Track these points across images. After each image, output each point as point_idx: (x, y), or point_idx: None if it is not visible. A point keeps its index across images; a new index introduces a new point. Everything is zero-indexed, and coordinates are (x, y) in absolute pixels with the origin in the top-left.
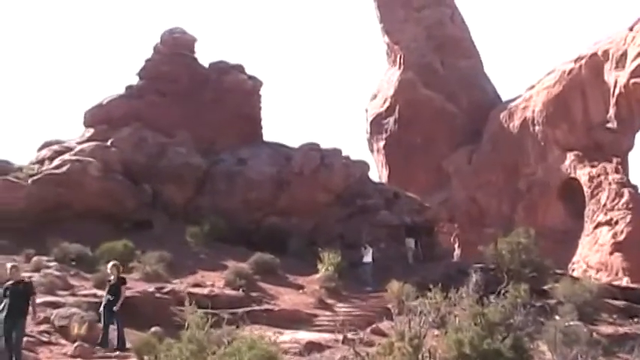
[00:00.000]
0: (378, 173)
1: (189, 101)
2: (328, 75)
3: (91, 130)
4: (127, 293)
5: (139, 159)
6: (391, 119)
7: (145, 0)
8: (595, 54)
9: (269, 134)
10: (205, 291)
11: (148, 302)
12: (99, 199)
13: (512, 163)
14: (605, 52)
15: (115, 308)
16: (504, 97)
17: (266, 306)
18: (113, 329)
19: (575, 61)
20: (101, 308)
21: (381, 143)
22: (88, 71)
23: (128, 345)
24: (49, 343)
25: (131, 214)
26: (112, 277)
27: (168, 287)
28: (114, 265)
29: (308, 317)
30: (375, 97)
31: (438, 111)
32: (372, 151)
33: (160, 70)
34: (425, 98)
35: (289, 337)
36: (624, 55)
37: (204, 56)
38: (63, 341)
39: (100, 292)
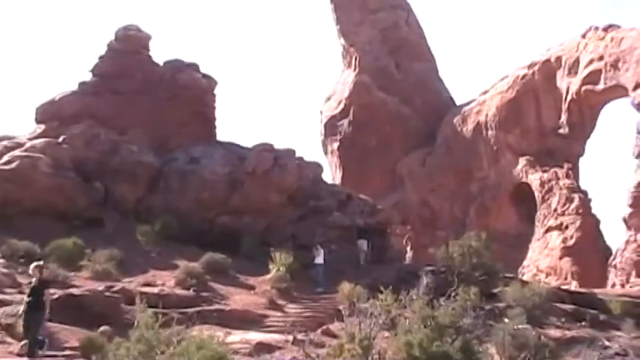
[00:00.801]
0: (331, 175)
1: (143, 99)
2: (283, 76)
3: (43, 127)
4: (76, 292)
5: (91, 156)
6: (345, 121)
7: None
8: (548, 60)
9: (223, 134)
10: (156, 290)
11: (97, 301)
12: (49, 196)
13: (465, 166)
14: (558, 59)
15: (41, 317)
16: (458, 101)
17: (217, 306)
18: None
19: (529, 66)
20: (20, 312)
21: (335, 145)
22: (41, 67)
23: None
24: None
25: (82, 211)
26: (33, 280)
27: (118, 286)
28: (36, 267)
29: (259, 318)
30: (329, 99)
31: (392, 114)
32: (325, 152)
33: (113, 68)
34: (379, 101)
35: (239, 337)
36: (577, 62)
37: (159, 54)
38: (9, 339)
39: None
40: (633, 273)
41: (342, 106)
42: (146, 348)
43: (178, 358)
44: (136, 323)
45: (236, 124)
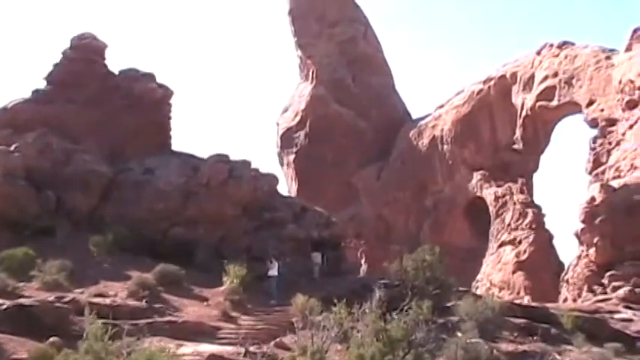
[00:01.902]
0: (287, 187)
1: (98, 108)
2: (240, 87)
3: None
4: (25, 302)
5: (44, 165)
6: (302, 133)
7: (56, 4)
8: (503, 76)
9: (178, 144)
10: (107, 301)
11: (47, 312)
12: (0, 205)
13: (420, 180)
14: (514, 75)
15: None
16: (414, 115)
17: (169, 318)
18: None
19: (484, 82)
20: None
21: (291, 157)
22: None
23: None
24: None
25: (33, 220)
26: None
27: (69, 297)
28: None
29: (211, 330)
30: (286, 110)
31: (348, 127)
32: (281, 164)
33: (68, 76)
34: (336, 114)
35: (191, 349)
36: (532, 78)
37: (115, 63)
38: None
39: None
40: (585, 288)
41: (298, 118)
42: (94, 359)
43: None
44: (85, 335)
45: (192, 134)
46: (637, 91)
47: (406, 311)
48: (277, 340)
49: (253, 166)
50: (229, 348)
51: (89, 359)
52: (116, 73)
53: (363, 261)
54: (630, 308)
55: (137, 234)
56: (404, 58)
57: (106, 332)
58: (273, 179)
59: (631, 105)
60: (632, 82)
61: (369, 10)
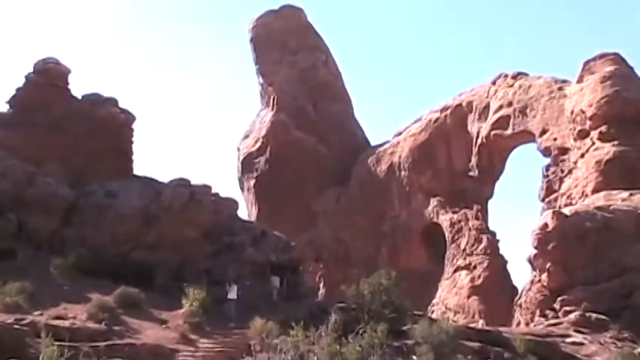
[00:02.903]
0: (247, 211)
1: (60, 132)
2: (202, 112)
3: None
4: None
5: (5, 187)
6: (262, 159)
7: (20, 28)
8: (460, 105)
9: (140, 168)
10: (67, 323)
11: (6, 333)
12: None
13: (378, 206)
14: (469, 104)
15: None
16: (373, 142)
17: (128, 340)
18: None
19: (441, 110)
20: None
21: (252, 182)
22: None
23: None
24: None
25: None
26: None
27: (28, 319)
28: None
29: (170, 352)
30: (247, 136)
31: (308, 152)
32: (242, 189)
33: (31, 100)
34: (296, 140)
35: None
36: (487, 107)
37: (78, 88)
38: None
39: None
40: (537, 312)
41: (259, 143)
42: None
43: None
44: (41, 358)
45: (153, 159)
46: (588, 122)
47: (362, 334)
48: None
49: (214, 190)
50: None
51: None
52: (79, 97)
53: (321, 284)
54: (581, 332)
55: (98, 257)
56: (363, 85)
57: (61, 355)
58: (233, 204)
59: (582, 135)
60: (583, 112)
61: (330, 39)
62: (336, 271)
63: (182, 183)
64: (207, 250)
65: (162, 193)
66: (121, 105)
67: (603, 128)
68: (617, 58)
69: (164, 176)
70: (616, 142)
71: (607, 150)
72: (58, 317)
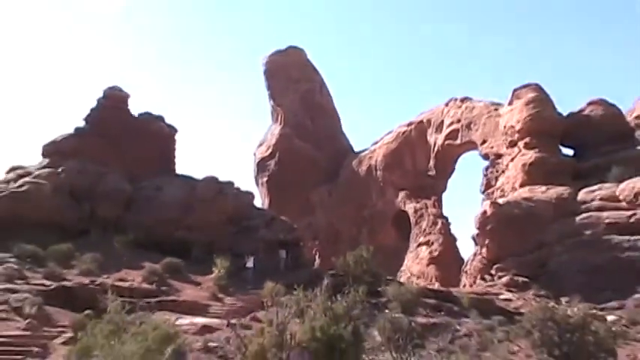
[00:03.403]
0: (261, 201)
1: (122, 142)
2: (227, 126)
3: (47, 160)
4: (68, 284)
5: (82, 183)
6: (272, 162)
7: (88, 62)
8: (421, 121)
9: (181, 168)
10: (127, 284)
11: (83, 291)
12: (49, 212)
13: (359, 198)
14: (429, 120)
15: None
16: (356, 149)
17: (172, 297)
18: None
19: (408, 125)
20: None
21: (265, 179)
22: (45, 114)
23: None
24: (6, 319)
25: (74, 224)
26: None
27: (98, 280)
28: None
29: (204, 307)
30: (261, 145)
31: (307, 157)
32: (257, 184)
33: (101, 118)
34: (298, 147)
35: (188, 321)
36: (441, 123)
37: (136, 107)
38: (17, 318)
39: (48, 282)
40: (478, 277)
41: (270, 150)
42: (114, 328)
43: (138, 336)
44: (108, 309)
45: (191, 161)
46: (516, 134)
47: (347, 294)
48: (252, 314)
49: (236, 185)
50: (216, 320)
51: (110, 327)
52: (136, 115)
53: (317, 257)
54: (510, 291)
55: (150, 235)
56: (350, 105)
57: (123, 307)
58: (250, 196)
59: (512, 144)
60: (512, 127)
61: (324, 71)
62: (328, 247)
63: (212, 180)
64: (230, 231)
65: (196, 187)
66: (167, 120)
67: (527, 139)
68: (538, 88)
69: (199, 174)
70: (537, 150)
71: (530, 155)
72: (121, 280)
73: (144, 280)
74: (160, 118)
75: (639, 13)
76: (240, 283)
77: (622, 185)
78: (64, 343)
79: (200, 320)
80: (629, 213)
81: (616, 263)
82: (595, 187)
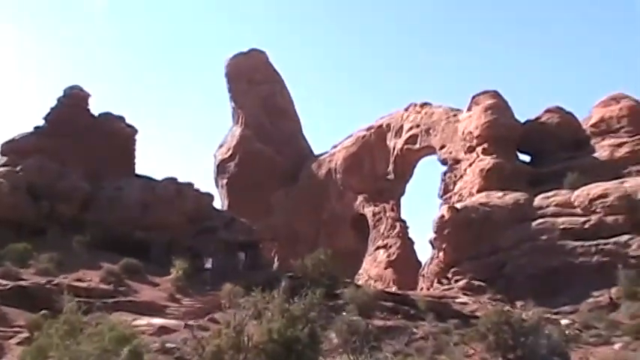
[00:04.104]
0: (221, 203)
1: (82, 141)
2: (188, 127)
3: (5, 158)
4: (24, 283)
5: (40, 182)
6: (232, 164)
7: (47, 61)
8: (381, 126)
9: (140, 169)
10: (84, 284)
11: (39, 291)
12: (7, 211)
13: (319, 200)
14: (388, 125)
15: None
16: (316, 152)
17: (130, 298)
18: None
19: (367, 129)
20: None
21: (225, 181)
22: (5, 112)
23: None
24: None
25: (31, 223)
26: None
27: (56, 280)
28: None
29: (161, 308)
30: (221, 146)
31: (267, 159)
32: (217, 186)
33: (61, 117)
34: (258, 150)
35: (146, 321)
36: (401, 128)
37: (95, 107)
38: None
39: (4, 282)
40: (435, 280)
41: (230, 152)
42: (70, 328)
43: (94, 337)
44: (64, 309)
45: (151, 161)
46: (475, 140)
47: (304, 296)
48: (210, 316)
49: (195, 187)
50: (174, 321)
51: (66, 328)
52: (96, 115)
53: (275, 259)
54: (466, 295)
55: (108, 235)
56: (310, 108)
57: (80, 308)
58: (210, 197)
59: (470, 149)
60: (471, 133)
61: (285, 73)
62: (286, 249)
63: (172, 181)
64: (189, 232)
65: (156, 188)
66: (128, 121)
67: (485, 145)
68: (496, 94)
69: (159, 175)
70: (494, 156)
71: (488, 161)
72: (78, 280)
73: (102, 281)
74: (121, 118)
75: (597, 24)
76: (198, 284)
77: (577, 192)
78: (19, 344)
79: (158, 321)
80: (584, 219)
81: (570, 268)
82: (551, 194)
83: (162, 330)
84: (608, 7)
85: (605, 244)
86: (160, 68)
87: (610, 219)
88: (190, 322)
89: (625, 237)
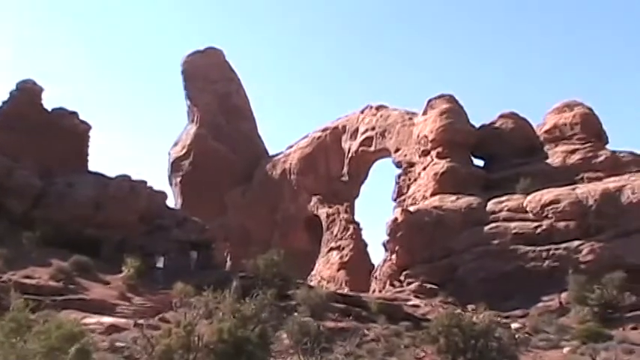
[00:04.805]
0: (174, 201)
1: (34, 136)
2: (142, 123)
3: None
4: None
5: None
6: (187, 162)
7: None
8: (337, 127)
9: (94, 165)
10: (33, 282)
11: None
12: None
13: (273, 200)
14: (344, 127)
15: None
16: (271, 152)
17: (80, 295)
18: None
19: (323, 130)
20: None
21: (179, 179)
22: None
23: None
24: None
25: None
26: None
27: (4, 277)
28: None
29: (112, 306)
30: (176, 144)
31: (222, 159)
32: (171, 184)
33: (13, 111)
34: (213, 149)
35: (95, 320)
36: (356, 130)
37: (49, 102)
38: None
39: None
40: (388, 282)
41: (185, 150)
42: (16, 326)
43: (41, 335)
44: (11, 307)
45: (105, 158)
46: (429, 144)
47: (256, 297)
48: (160, 315)
49: (149, 184)
50: (124, 320)
51: (12, 325)
52: (49, 110)
53: (228, 258)
54: (418, 297)
55: (59, 232)
56: (267, 107)
57: (27, 305)
58: (163, 195)
59: (425, 153)
60: (426, 137)
61: (242, 73)
62: (239, 249)
63: (125, 178)
64: (142, 230)
65: (109, 185)
66: (81, 117)
67: (440, 149)
68: (452, 99)
69: (112, 172)
70: (448, 160)
71: (442, 165)
72: (27, 277)
73: (51, 278)
74: (75, 114)
75: (554, 31)
76: (150, 283)
77: (529, 197)
78: None
79: (107, 320)
80: (535, 224)
81: (521, 272)
82: (503, 198)
83: (112, 328)
84: (564, 14)
85: (556, 249)
86: (115, 65)
87: (561, 224)
88: (140, 321)
89: (576, 242)
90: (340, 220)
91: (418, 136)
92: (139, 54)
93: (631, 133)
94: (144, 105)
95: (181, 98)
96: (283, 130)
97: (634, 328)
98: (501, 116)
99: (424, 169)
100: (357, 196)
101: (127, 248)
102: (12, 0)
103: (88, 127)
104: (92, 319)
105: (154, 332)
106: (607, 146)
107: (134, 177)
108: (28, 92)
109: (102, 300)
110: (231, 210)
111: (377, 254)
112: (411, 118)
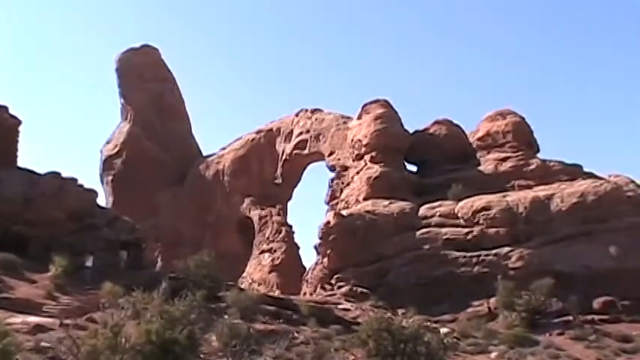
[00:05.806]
0: (105, 200)
1: None
2: (74, 120)
3: None
4: None
5: None
6: (119, 161)
7: None
8: (271, 129)
9: (24, 161)
10: None
11: None
12: None
13: (205, 201)
14: (278, 129)
15: None
16: (205, 152)
17: (5, 294)
18: None
19: (257, 132)
20: None
21: (110, 178)
22: None
23: None
24: None
25: None
26: None
27: None
28: None
29: (38, 305)
30: (109, 142)
31: (154, 158)
32: (102, 182)
33: None
34: (146, 148)
35: (20, 319)
36: (291, 132)
37: None
38: None
39: None
40: (319, 286)
41: (117, 149)
42: None
43: None
44: None
45: (34, 154)
46: (363, 148)
47: (185, 298)
48: (88, 315)
49: (79, 182)
50: (50, 320)
51: None
52: None
53: (159, 259)
54: (349, 301)
55: None
56: (201, 108)
57: None
58: (93, 194)
59: (358, 157)
60: (360, 141)
61: (178, 72)
62: (170, 249)
63: (55, 175)
64: (71, 228)
65: (38, 182)
66: (11, 111)
67: (373, 154)
68: (386, 104)
69: (41, 168)
70: (382, 164)
71: (375, 169)
72: None
73: None
74: (4, 108)
75: (490, 40)
76: (78, 283)
77: (461, 203)
78: None
79: (33, 319)
80: (467, 230)
81: (452, 278)
82: (435, 204)
83: (38, 328)
84: (503, 23)
85: (487, 255)
86: (47, 58)
87: (492, 231)
88: (67, 321)
89: (505, 249)
90: (272, 223)
91: (352, 140)
92: (72, 48)
93: (561, 143)
94: (78, 102)
95: (115, 94)
96: (218, 131)
97: (560, 334)
98: (435, 122)
99: (357, 173)
100: (290, 198)
101: (55, 247)
102: None
103: (19, 122)
104: (17, 319)
105: (81, 333)
106: (538, 155)
107: (64, 174)
108: None
109: (28, 299)
110: (162, 210)
111: (309, 257)
112: (345, 122)
